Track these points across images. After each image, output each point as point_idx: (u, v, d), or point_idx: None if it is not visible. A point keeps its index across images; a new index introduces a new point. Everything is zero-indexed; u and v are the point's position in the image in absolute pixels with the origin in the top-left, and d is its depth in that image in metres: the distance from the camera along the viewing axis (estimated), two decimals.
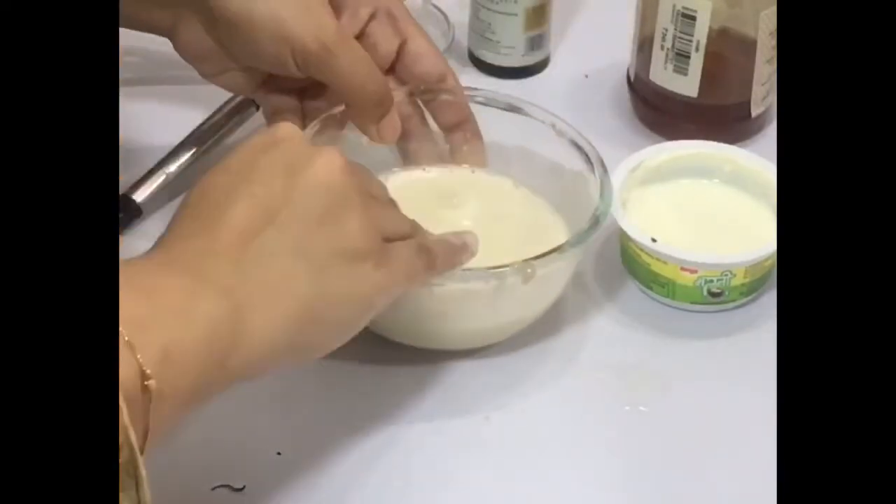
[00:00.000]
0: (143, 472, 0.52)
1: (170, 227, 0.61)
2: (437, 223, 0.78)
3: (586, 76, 0.96)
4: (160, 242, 0.60)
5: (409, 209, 0.79)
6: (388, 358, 0.75)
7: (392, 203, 0.69)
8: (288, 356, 0.61)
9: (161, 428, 0.54)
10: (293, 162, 0.61)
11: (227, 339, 0.57)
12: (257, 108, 0.87)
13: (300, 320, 0.60)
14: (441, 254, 0.68)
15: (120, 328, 0.51)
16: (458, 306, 0.72)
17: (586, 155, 0.77)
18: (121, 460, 0.51)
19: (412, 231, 0.68)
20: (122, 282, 0.52)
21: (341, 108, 0.77)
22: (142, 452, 0.52)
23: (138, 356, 0.52)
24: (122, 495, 0.52)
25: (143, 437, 0.53)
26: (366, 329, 0.74)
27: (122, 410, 0.50)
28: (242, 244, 0.59)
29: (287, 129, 0.64)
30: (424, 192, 0.80)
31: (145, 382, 0.53)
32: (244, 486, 0.68)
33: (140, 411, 0.52)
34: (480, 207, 0.80)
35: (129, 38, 0.73)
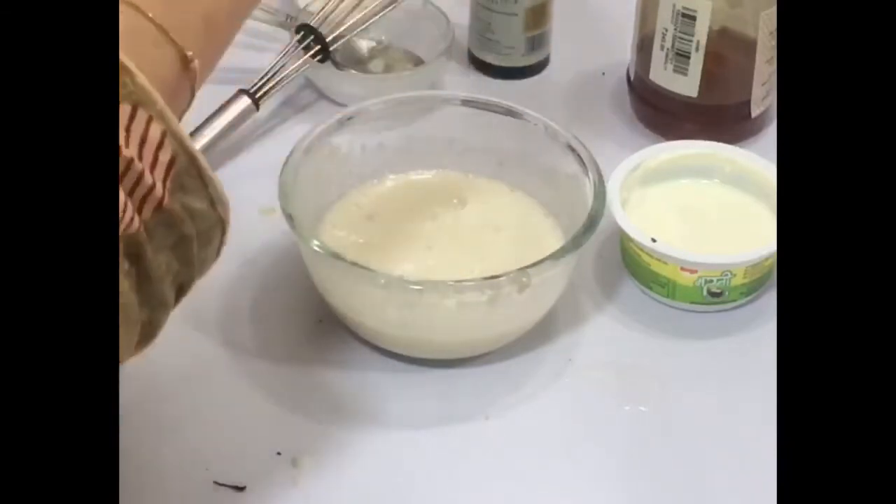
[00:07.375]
0: (208, 168, 0.52)
1: None
2: (432, 226, 0.78)
3: (603, 74, 0.96)
4: None
5: (403, 212, 0.79)
6: (388, 361, 0.75)
7: None
8: None
9: (200, 85, 0.55)
10: None
11: None
12: (257, 107, 0.87)
13: None
14: None
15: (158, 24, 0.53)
16: (454, 318, 0.71)
17: (580, 158, 0.77)
18: (179, 169, 0.51)
19: None
20: None
21: (338, 116, 0.78)
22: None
23: (177, 41, 0.53)
24: (191, 198, 0.52)
25: (186, 109, 0.54)
26: (363, 340, 0.74)
27: (169, 119, 0.51)
28: None
29: None
30: (419, 196, 0.80)
31: (190, 65, 0.54)
32: (244, 486, 0.68)
33: (184, 93, 0.53)
34: (475, 211, 0.80)
35: None
